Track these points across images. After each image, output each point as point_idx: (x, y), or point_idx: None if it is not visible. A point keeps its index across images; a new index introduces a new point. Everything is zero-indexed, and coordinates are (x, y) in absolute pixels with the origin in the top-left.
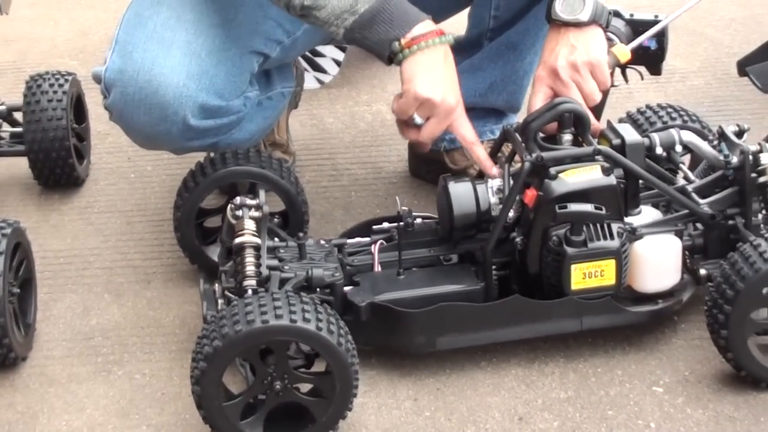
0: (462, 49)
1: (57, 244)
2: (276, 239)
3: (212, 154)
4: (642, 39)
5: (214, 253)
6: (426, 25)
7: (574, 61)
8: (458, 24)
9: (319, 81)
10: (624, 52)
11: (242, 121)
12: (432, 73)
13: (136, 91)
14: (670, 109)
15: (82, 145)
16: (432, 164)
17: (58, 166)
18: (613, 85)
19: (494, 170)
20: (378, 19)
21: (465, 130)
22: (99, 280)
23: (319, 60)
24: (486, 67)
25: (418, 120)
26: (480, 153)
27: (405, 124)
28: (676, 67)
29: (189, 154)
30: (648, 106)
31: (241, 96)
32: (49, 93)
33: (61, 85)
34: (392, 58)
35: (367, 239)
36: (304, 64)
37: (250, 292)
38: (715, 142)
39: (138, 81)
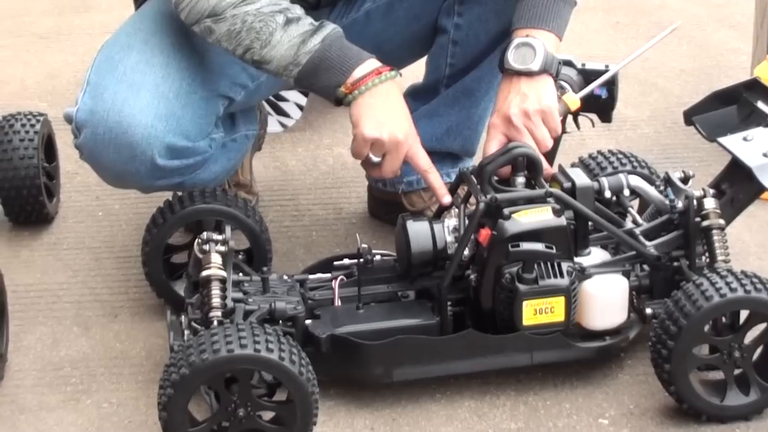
0: (419, 95)
1: (27, 278)
2: (240, 273)
3: (180, 193)
4: (591, 87)
5: (180, 287)
6: (365, 67)
7: (527, 109)
8: (417, 71)
9: (282, 125)
10: (574, 100)
11: (207, 161)
12: (377, 112)
13: (106, 131)
14: (620, 155)
15: (52, 184)
16: (390, 206)
17: (28, 204)
18: (565, 132)
19: (447, 198)
20: (321, 67)
21: (419, 158)
22: (68, 314)
23: (282, 104)
24: (443, 113)
25: (375, 159)
26: (434, 180)
27: (366, 163)
28: (627, 116)
29: (155, 193)
30: (599, 152)
31: (207, 137)
32: (21, 132)
33: (32, 125)
34: (340, 102)
35: (328, 275)
36: (268, 108)
37: (215, 322)
38: (662, 188)
39: (108, 121)
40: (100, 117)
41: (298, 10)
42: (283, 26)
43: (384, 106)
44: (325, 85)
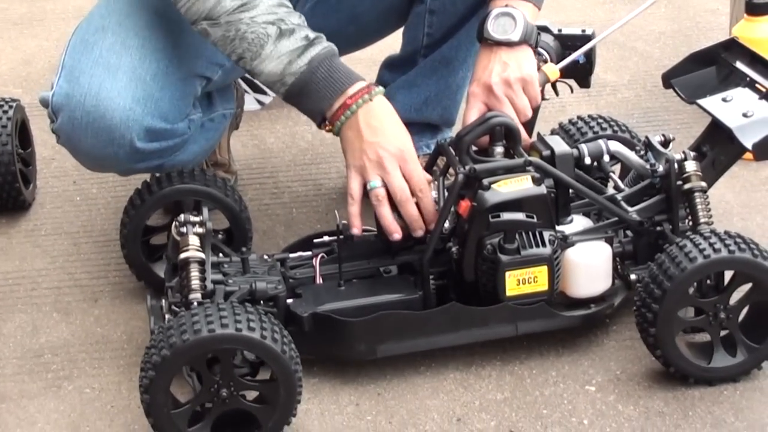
0: (397, 66)
1: (5, 266)
2: (220, 255)
3: (157, 173)
4: (572, 58)
5: (160, 269)
6: (352, 90)
7: (508, 78)
8: (393, 43)
9: (260, 102)
10: (553, 70)
11: (187, 142)
12: (367, 131)
13: (84, 115)
14: (600, 120)
15: (28, 170)
16: None
17: (4, 191)
18: (544, 99)
19: (356, 231)
20: (305, 90)
21: (414, 174)
22: (47, 300)
23: (258, 81)
24: (421, 83)
25: (374, 184)
26: (427, 204)
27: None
28: (607, 81)
29: (134, 177)
30: (579, 117)
31: (186, 119)
32: None
33: (5, 112)
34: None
35: (308, 253)
36: (244, 86)
37: (195, 304)
38: (642, 152)
39: (85, 105)
40: (77, 101)
41: (294, 19)
42: (275, 40)
43: (371, 125)
44: (309, 109)
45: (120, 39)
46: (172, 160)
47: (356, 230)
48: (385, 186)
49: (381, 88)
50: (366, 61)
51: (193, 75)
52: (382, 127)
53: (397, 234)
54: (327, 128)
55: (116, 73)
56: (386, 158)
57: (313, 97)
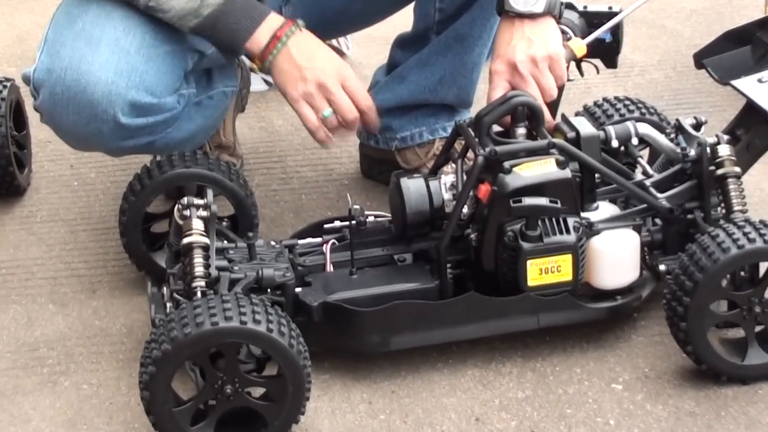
0: (408, 44)
1: None
2: (225, 241)
3: (159, 157)
4: (599, 32)
5: (161, 259)
6: (270, 24)
7: (533, 55)
8: (405, 19)
9: (267, 82)
10: (580, 46)
11: (178, 119)
12: (298, 64)
13: (64, 90)
14: (627, 102)
15: (23, 154)
16: (384, 164)
17: None
18: (568, 79)
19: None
20: (221, 21)
21: (357, 94)
22: (43, 291)
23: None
24: (434, 62)
25: (326, 112)
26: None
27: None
28: (635, 61)
29: (133, 160)
30: (605, 99)
31: (175, 93)
32: None
33: None
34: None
35: (318, 239)
36: (250, 65)
37: (199, 293)
38: (673, 135)
39: (66, 80)
40: (57, 75)
41: None
42: None
43: (304, 53)
44: (227, 40)
45: (104, 11)
46: (164, 138)
47: (328, 141)
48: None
49: (302, 21)
50: (379, 40)
51: (183, 48)
52: (316, 54)
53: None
54: (256, 64)
55: (98, 46)
56: (329, 81)
57: (232, 26)
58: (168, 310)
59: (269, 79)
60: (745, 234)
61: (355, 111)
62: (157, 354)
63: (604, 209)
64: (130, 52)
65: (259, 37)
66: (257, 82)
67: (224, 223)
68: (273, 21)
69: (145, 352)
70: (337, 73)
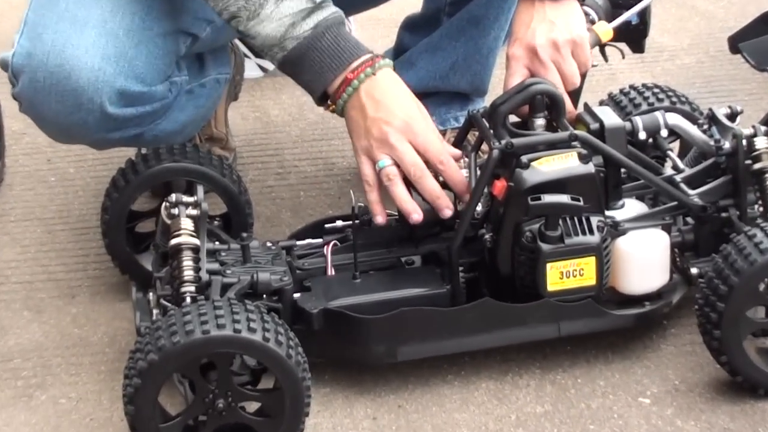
0: (419, 27)
1: None
2: (216, 242)
3: (144, 150)
4: (627, 16)
5: (147, 261)
6: (361, 60)
7: (555, 39)
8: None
9: (262, 68)
10: (606, 30)
11: (169, 109)
12: (375, 106)
13: (47, 77)
14: (656, 90)
15: None
16: None
17: None
18: (592, 65)
19: (448, 212)
20: (307, 58)
21: (430, 146)
22: (17, 296)
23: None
24: (446, 46)
25: (385, 162)
26: (452, 173)
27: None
28: (664, 45)
29: (116, 154)
30: (632, 87)
31: (166, 81)
32: None
33: None
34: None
35: (318, 240)
36: (244, 49)
37: (188, 299)
38: (706, 126)
39: (48, 65)
40: (39, 60)
41: None
42: None
43: (373, 100)
44: (308, 81)
45: None
46: (153, 129)
47: (380, 218)
48: (398, 165)
49: (388, 61)
50: (386, 22)
51: (175, 31)
52: (385, 101)
53: (415, 214)
54: (330, 108)
55: (84, 28)
56: (391, 133)
57: (315, 67)
58: (154, 318)
59: (265, 64)
60: None
61: (420, 166)
62: (143, 365)
63: (630, 207)
64: (118, 35)
65: (335, 82)
66: (252, 68)
67: (216, 223)
68: (355, 61)
69: (129, 362)
70: (404, 126)
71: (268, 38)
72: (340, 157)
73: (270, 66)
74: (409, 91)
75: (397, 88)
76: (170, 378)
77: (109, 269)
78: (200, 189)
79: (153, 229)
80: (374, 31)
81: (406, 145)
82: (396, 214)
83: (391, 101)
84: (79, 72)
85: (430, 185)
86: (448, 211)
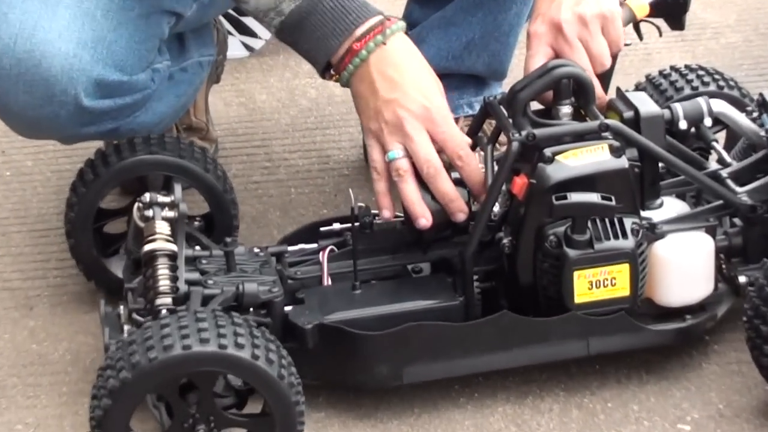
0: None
1: None
2: (197, 247)
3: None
4: None
5: (117, 266)
6: (369, 24)
7: (582, 14)
8: None
9: (248, 47)
10: (641, 5)
11: (150, 100)
12: (390, 83)
13: (14, 65)
14: (701, 72)
15: None
16: None
17: None
18: (625, 44)
19: (461, 216)
20: (308, 23)
21: (453, 138)
22: None
23: (247, 20)
24: (461, 22)
25: (396, 153)
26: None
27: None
28: (707, 21)
29: (81, 145)
30: (673, 68)
31: (148, 68)
32: None
33: None
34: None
35: (313, 245)
36: (228, 26)
37: (164, 312)
38: (756, 114)
39: (16, 51)
40: (5, 45)
41: None
42: None
43: (387, 76)
44: (310, 50)
45: None
46: (130, 123)
47: (387, 212)
48: (410, 156)
49: (401, 24)
50: None
51: (158, 10)
52: (402, 79)
53: (423, 219)
54: (333, 78)
55: (56, 8)
56: (407, 119)
57: (317, 32)
58: (126, 335)
59: (251, 42)
60: None
61: (435, 162)
62: (114, 384)
63: (669, 207)
64: (95, 16)
65: (339, 50)
66: (236, 47)
67: (196, 224)
68: (362, 25)
69: (98, 381)
70: (422, 113)
71: (263, 1)
72: (337, 148)
73: (257, 45)
74: (426, 66)
75: (412, 62)
76: (144, 399)
77: (72, 276)
78: (178, 187)
79: (123, 230)
80: (378, 3)
81: (423, 135)
82: (402, 215)
83: (407, 80)
84: (51, 59)
85: (443, 186)
86: (461, 216)
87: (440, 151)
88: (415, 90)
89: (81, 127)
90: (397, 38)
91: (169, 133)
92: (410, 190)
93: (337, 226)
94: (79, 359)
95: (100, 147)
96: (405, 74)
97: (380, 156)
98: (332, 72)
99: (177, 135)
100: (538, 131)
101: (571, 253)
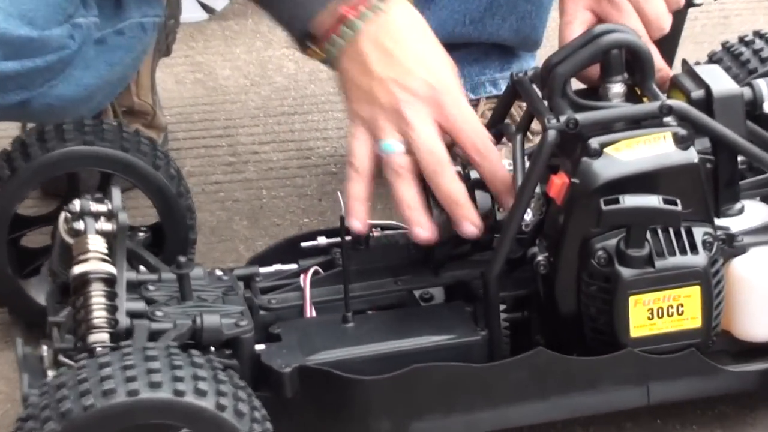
0: None
1: None
2: (142, 268)
3: (41, 127)
4: None
5: (37, 290)
6: None
7: None
8: None
9: (207, 8)
10: None
11: (69, 65)
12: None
13: None
14: None
15: None
16: None
17: None
18: (693, 4)
19: (471, 229)
20: None
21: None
22: None
23: None
24: None
25: (395, 147)
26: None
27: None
28: None
29: None
30: (757, 33)
31: (65, 23)
32: None
33: None
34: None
35: (292, 266)
36: None
37: (100, 350)
38: None
39: None
40: None
41: None
42: None
43: (384, 49)
44: (289, 17)
45: None
46: (45, 94)
47: (357, 224)
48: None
49: None
50: None
51: None
52: (400, 51)
53: (420, 228)
54: (316, 53)
55: None
56: (408, 102)
57: None
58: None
59: (211, 3)
60: None
61: (442, 157)
62: None
63: (752, 213)
64: None
65: (323, 16)
66: (192, 9)
67: (141, 237)
68: None
69: None
70: (428, 92)
71: None
72: (321, 138)
73: (219, 5)
74: (433, 37)
75: (415, 32)
76: None
77: None
78: (116, 191)
79: (46, 243)
80: None
81: (427, 121)
82: (405, 226)
83: (409, 54)
84: None
85: (448, 185)
86: (470, 228)
87: (452, 144)
88: (420, 66)
89: None
90: (398, 5)
91: (107, 118)
92: (408, 193)
93: (322, 240)
94: None
95: (19, 135)
96: (406, 47)
97: (365, 149)
98: (313, 45)
99: (117, 121)
100: (581, 116)
101: (626, 272)
